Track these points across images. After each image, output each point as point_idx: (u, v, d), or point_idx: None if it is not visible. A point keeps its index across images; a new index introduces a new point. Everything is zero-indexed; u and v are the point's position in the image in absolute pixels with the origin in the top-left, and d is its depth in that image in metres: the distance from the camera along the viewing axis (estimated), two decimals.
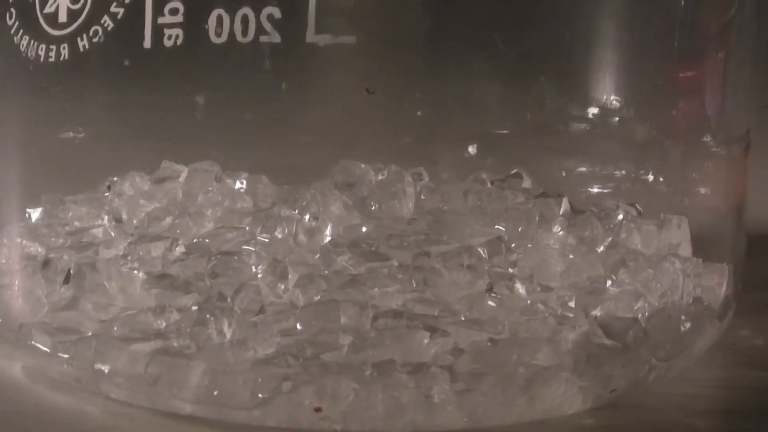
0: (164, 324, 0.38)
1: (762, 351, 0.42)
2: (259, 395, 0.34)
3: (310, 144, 0.42)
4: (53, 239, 0.44)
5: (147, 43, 0.38)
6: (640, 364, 0.36)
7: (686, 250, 0.43)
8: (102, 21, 0.39)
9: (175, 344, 0.36)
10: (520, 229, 0.40)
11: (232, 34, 0.37)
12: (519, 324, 0.36)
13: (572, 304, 0.37)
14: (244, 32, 0.37)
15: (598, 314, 0.37)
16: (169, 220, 0.42)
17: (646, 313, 0.38)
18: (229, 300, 0.37)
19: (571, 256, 0.40)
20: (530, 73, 0.41)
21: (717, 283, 0.42)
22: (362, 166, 0.41)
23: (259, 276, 0.38)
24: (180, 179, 0.43)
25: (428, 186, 0.42)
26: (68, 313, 0.39)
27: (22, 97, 0.42)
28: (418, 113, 0.42)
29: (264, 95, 0.40)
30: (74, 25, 0.39)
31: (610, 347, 0.36)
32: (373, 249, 0.39)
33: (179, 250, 0.40)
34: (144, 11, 0.38)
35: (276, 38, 0.37)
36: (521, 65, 0.41)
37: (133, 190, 0.43)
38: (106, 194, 0.44)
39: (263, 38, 0.37)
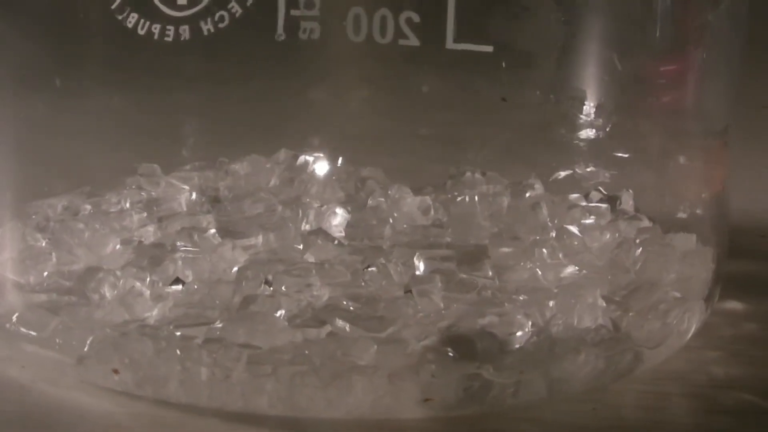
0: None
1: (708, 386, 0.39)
2: (85, 351, 0.36)
3: (441, 148, 0.43)
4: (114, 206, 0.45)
5: (280, 34, 0.38)
6: (463, 378, 0.35)
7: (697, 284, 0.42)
8: (229, 6, 0.39)
9: (68, 299, 0.38)
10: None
11: (370, 34, 0.38)
12: (404, 327, 0.36)
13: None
14: (383, 33, 0.38)
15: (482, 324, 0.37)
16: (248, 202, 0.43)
17: (528, 331, 0.37)
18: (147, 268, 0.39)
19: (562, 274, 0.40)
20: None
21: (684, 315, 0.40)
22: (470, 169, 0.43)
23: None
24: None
25: (536, 197, 0.43)
26: (22, 265, 0.41)
27: (128, 72, 0.43)
28: (548, 124, 0.43)
29: (400, 97, 0.41)
30: (196, 8, 0.39)
31: (447, 357, 0.35)
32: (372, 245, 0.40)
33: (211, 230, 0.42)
34: (276, 1, 0.38)
35: (415, 42, 0.38)
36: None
37: (244, 171, 0.44)
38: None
39: (402, 41, 0.38)
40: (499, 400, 0.36)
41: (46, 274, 0.41)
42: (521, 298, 0.37)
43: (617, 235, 0.43)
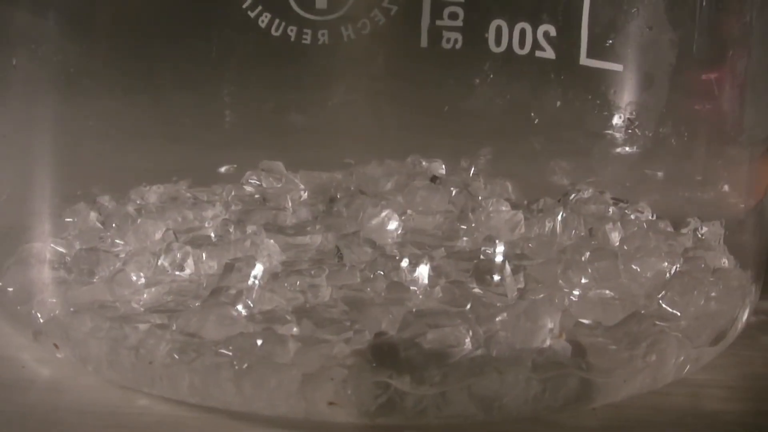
0: None
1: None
2: (40, 321, 0.38)
3: (567, 163, 0.45)
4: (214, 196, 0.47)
5: (423, 43, 0.40)
6: (373, 386, 0.35)
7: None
8: (372, 14, 0.40)
9: (71, 276, 0.40)
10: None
11: (510, 45, 0.39)
12: (357, 333, 0.36)
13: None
14: (521, 45, 0.39)
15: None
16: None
17: (467, 346, 0.35)
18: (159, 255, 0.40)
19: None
20: None
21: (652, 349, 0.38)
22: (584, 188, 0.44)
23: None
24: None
25: (626, 219, 0.44)
26: (70, 243, 0.42)
27: (258, 69, 0.44)
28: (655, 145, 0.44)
29: (531, 107, 0.43)
30: (337, 14, 0.40)
31: (365, 363, 0.35)
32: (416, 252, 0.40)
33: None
34: (420, 12, 0.39)
35: (551, 55, 0.39)
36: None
37: (368, 174, 0.46)
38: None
39: (539, 53, 0.39)
40: (420, 413, 0.35)
41: (77, 259, 0.41)
42: (470, 315, 0.36)
43: (675, 265, 0.42)
